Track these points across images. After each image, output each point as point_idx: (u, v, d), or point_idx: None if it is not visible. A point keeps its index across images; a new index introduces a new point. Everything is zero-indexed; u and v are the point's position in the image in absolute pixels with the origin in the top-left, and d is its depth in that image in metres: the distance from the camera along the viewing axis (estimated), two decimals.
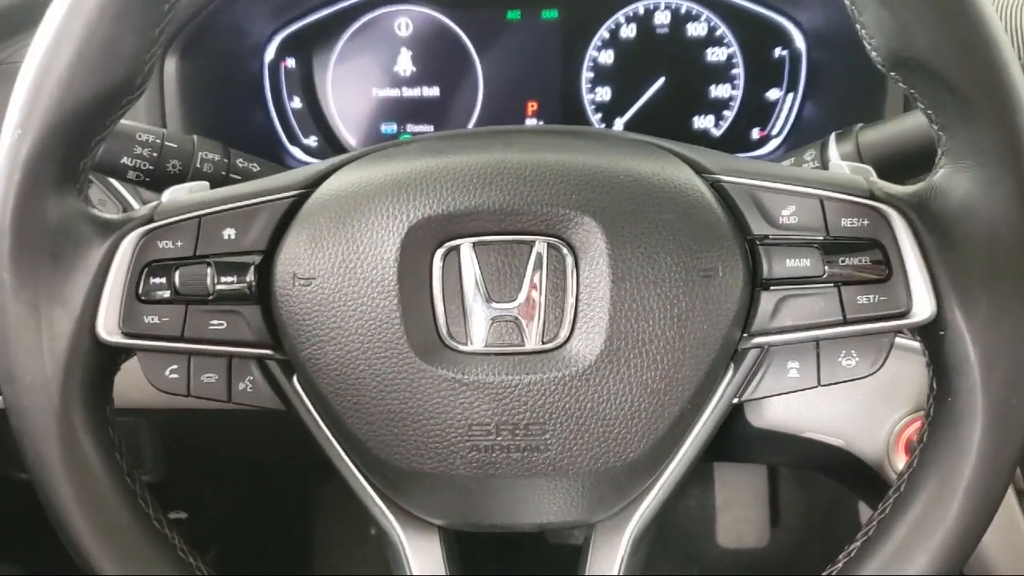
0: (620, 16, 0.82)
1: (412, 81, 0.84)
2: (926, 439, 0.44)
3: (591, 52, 0.83)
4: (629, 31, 0.83)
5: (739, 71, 0.82)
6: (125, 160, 0.59)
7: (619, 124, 0.83)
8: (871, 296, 0.44)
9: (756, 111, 0.82)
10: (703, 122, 0.83)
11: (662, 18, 0.82)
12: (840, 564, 0.46)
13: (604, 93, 0.83)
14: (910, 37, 0.41)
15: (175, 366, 0.47)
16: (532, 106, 0.84)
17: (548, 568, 0.52)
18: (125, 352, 0.47)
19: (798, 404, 0.66)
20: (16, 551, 1.09)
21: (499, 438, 0.44)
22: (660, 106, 0.83)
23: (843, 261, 0.45)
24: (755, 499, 1.40)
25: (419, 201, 0.44)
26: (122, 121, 0.47)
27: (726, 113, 0.83)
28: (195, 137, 0.63)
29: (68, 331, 0.45)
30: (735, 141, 0.82)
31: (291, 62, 0.85)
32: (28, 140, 0.43)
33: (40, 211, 0.44)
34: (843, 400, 0.61)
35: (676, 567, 1.44)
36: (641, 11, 0.82)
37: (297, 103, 0.85)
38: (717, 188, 0.46)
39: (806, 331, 0.45)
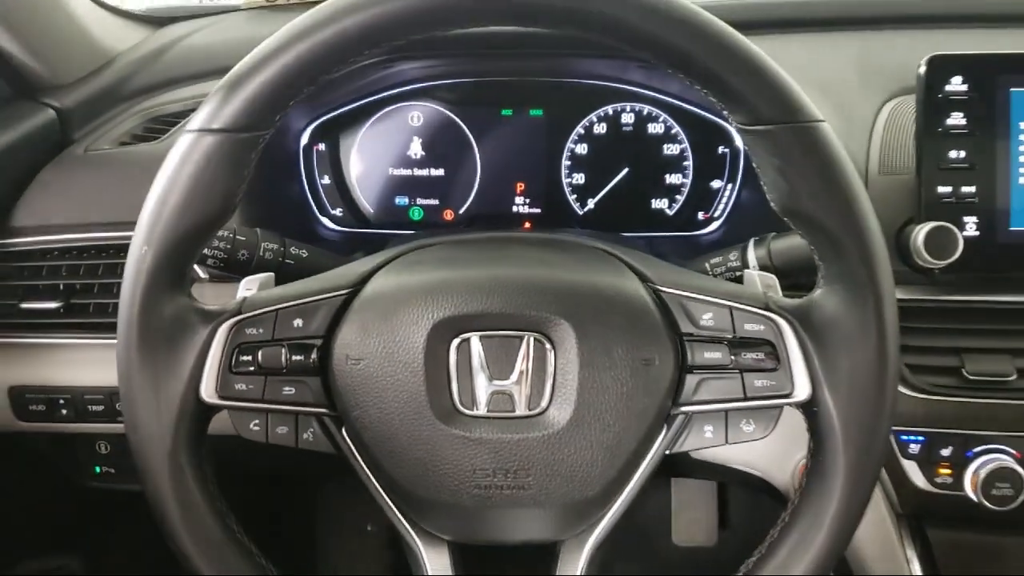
0: (593, 116, 0.95)
1: (422, 163, 0.96)
2: (804, 484, 0.59)
3: (569, 144, 0.96)
4: (601, 128, 0.95)
5: (689, 163, 0.95)
6: (207, 251, 0.72)
7: (591, 203, 0.96)
8: (765, 381, 0.58)
9: (702, 197, 0.95)
10: (659, 204, 0.96)
11: (628, 118, 0.95)
12: (752, 562, 0.60)
13: (579, 178, 0.96)
14: (796, 196, 0.55)
15: (257, 420, 0.60)
16: (520, 187, 0.96)
17: (530, 569, 0.64)
18: (218, 408, 0.60)
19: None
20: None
21: (495, 479, 0.57)
22: (625, 190, 0.96)
23: (745, 355, 0.58)
24: (706, 504, 1.52)
25: (441, 305, 0.58)
26: None
27: (678, 197, 0.96)
28: (258, 230, 0.75)
29: (179, 395, 0.57)
30: (684, 221, 0.95)
31: (322, 146, 0.97)
32: (150, 255, 0.55)
33: (159, 307, 0.56)
34: (761, 444, 0.76)
35: (637, 563, 1.56)
36: (610, 112, 0.95)
37: (326, 180, 0.97)
38: (657, 294, 0.60)
39: (718, 404, 0.58)
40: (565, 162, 0.96)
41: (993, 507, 0.73)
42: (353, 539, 1.51)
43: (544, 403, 0.58)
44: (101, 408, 0.83)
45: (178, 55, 1.04)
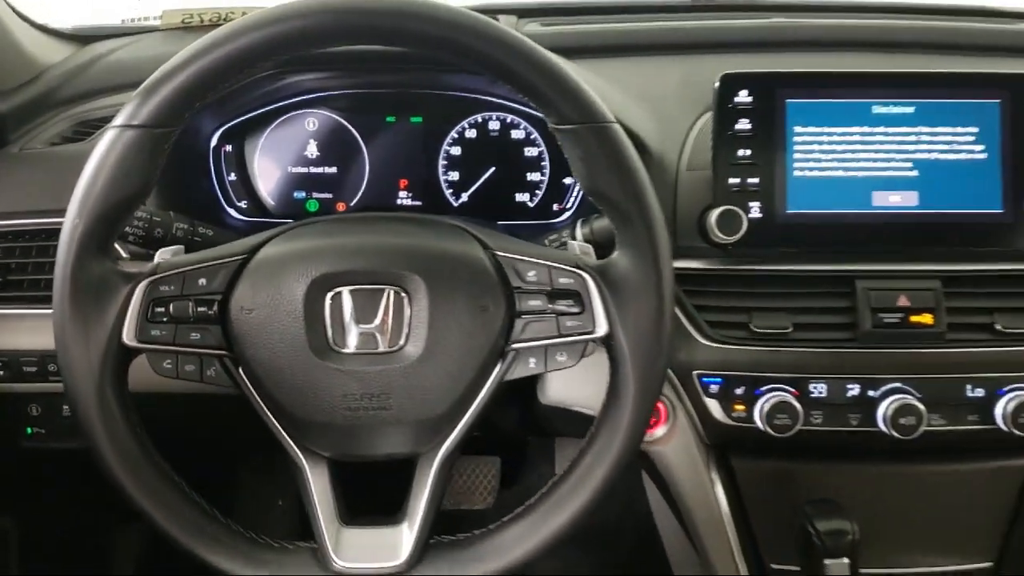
0: (465, 123, 1.10)
1: (317, 162, 1.10)
2: (605, 401, 0.75)
3: (444, 146, 1.10)
4: (471, 133, 1.10)
5: (546, 164, 1.10)
6: (128, 229, 0.85)
7: (464, 197, 1.10)
8: (574, 322, 0.73)
9: (557, 191, 1.11)
10: (522, 197, 1.11)
11: (494, 125, 1.10)
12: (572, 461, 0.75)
13: (454, 175, 1.11)
14: (595, 180, 0.71)
15: (169, 360, 0.72)
16: (403, 183, 1.11)
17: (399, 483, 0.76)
18: (138, 351, 0.73)
19: (566, 388, 0.94)
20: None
21: (362, 402, 0.71)
22: (492, 186, 1.11)
23: (559, 302, 0.73)
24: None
25: (318, 265, 0.72)
26: None
27: (537, 192, 1.11)
28: (171, 213, 0.89)
29: (104, 339, 0.69)
30: (543, 211, 1.11)
31: (229, 147, 1.10)
32: (81, 226, 0.68)
33: (88, 268, 0.69)
34: (595, 383, 0.90)
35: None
36: (480, 119, 1.10)
37: (233, 176, 1.10)
38: (493, 257, 0.75)
39: (539, 341, 0.73)
40: (441, 162, 1.11)
41: (776, 434, 0.89)
42: (265, 514, 1.63)
43: (401, 341, 0.72)
44: (35, 369, 0.95)
45: (102, 69, 1.17)
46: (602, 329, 0.73)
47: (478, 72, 0.71)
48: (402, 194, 1.11)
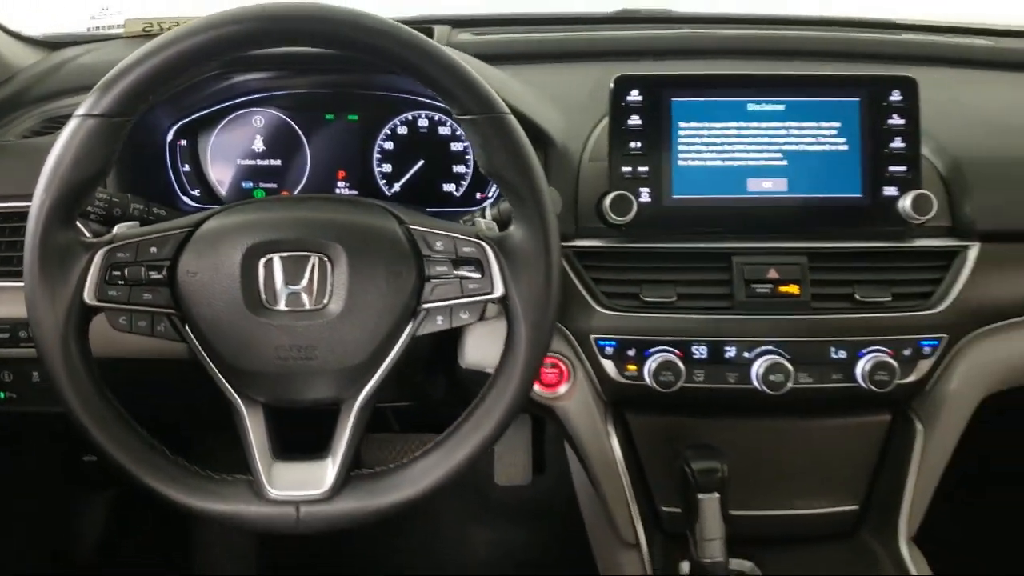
0: (397, 120, 1.20)
1: (263, 155, 1.21)
2: (503, 352, 0.87)
3: (378, 142, 1.21)
4: (403, 129, 1.21)
5: (470, 157, 1.20)
6: (90, 209, 0.96)
7: (397, 187, 1.20)
8: (475, 284, 0.84)
9: (480, 182, 1.21)
10: (449, 187, 1.22)
11: (423, 122, 1.21)
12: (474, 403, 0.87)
13: (387, 167, 1.21)
14: (492, 163, 0.83)
15: (124, 317, 0.82)
16: (341, 174, 1.21)
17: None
18: (97, 310, 0.84)
19: (481, 353, 1.04)
20: None
21: (291, 353, 0.82)
22: (421, 177, 1.21)
23: (463, 268, 0.85)
24: (523, 449, 1.80)
25: (253, 235, 0.83)
26: None
27: (463, 183, 1.21)
28: (128, 195, 1.00)
29: (68, 297, 0.79)
30: (467, 200, 1.21)
31: (184, 142, 1.20)
32: (48, 201, 0.79)
33: (54, 237, 0.79)
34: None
35: (467, 500, 1.83)
36: (410, 117, 1.20)
37: (187, 168, 1.20)
38: (407, 230, 0.87)
39: (445, 301, 0.84)
40: (375, 155, 1.21)
41: (661, 390, 1.01)
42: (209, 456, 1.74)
43: (325, 300, 0.83)
44: (7, 336, 1.05)
45: (69, 71, 1.27)
46: (499, 291, 0.85)
47: (394, 71, 0.84)
48: (340, 184, 1.22)
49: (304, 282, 0.84)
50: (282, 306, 0.83)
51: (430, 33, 1.33)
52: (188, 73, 0.83)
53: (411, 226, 0.87)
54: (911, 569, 1.05)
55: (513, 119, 0.84)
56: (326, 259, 0.84)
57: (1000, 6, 1.63)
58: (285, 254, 0.84)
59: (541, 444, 1.79)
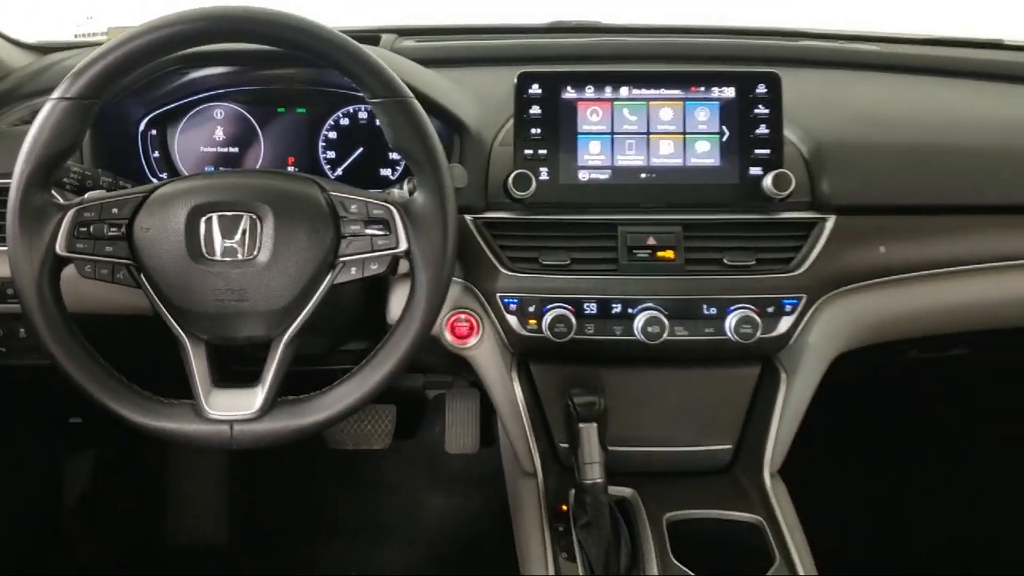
0: (339, 112, 1.36)
1: (223, 143, 1.36)
2: (408, 297, 1.02)
3: (323, 132, 1.36)
4: (344, 121, 1.36)
5: None
6: (65, 179, 1.12)
7: (339, 171, 1.36)
8: (383, 241, 1.00)
9: None
10: (385, 172, 1.37)
11: (363, 115, 1.36)
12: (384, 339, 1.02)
13: (331, 154, 1.37)
14: (398, 139, 1.00)
15: (89, 266, 0.99)
16: (291, 160, 1.37)
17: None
18: (67, 260, 1.00)
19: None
20: None
21: (227, 295, 0.98)
22: (361, 162, 1.37)
23: (373, 227, 1.01)
24: (471, 421, 1.96)
25: (195, 197, 0.99)
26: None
27: (397, 168, 1.36)
28: (99, 170, 1.16)
29: (43, 248, 0.95)
30: (400, 182, 1.39)
31: (154, 131, 1.35)
32: (27, 170, 0.96)
33: (31, 199, 0.95)
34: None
35: (419, 469, 1.99)
36: (351, 110, 1.36)
37: (156, 154, 1.36)
38: (327, 195, 1.03)
39: (358, 255, 1.00)
40: (321, 143, 1.37)
41: (556, 340, 1.17)
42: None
43: (255, 252, 0.99)
44: None
45: (56, 72, 1.44)
46: (403, 246, 1.01)
47: (317, 64, 1.00)
48: (290, 168, 1.38)
49: (238, 237, 1.00)
50: (219, 256, 0.99)
51: (378, 40, 1.51)
52: (147, 63, 1.00)
53: (331, 192, 1.03)
54: (772, 499, 1.20)
55: (415, 102, 1.00)
56: (256, 218, 1.00)
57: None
58: (222, 213, 1.00)
59: (489, 417, 1.94)
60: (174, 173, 1.38)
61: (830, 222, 1.21)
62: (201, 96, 1.36)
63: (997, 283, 1.24)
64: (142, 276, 1.01)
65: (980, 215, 1.25)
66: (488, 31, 1.68)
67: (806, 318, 1.20)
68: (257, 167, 1.38)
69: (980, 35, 1.71)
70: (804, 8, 1.90)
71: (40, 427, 1.62)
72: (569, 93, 1.21)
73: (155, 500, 1.86)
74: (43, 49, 1.54)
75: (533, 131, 1.20)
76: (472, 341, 1.22)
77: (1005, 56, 1.64)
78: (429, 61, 1.43)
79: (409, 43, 1.53)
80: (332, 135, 1.38)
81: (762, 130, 1.21)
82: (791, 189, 1.18)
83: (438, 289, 1.02)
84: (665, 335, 1.16)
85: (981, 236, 1.24)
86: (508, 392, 1.24)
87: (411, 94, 1.01)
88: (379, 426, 1.92)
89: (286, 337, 1.02)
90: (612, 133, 1.22)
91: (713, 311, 1.18)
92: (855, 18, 1.77)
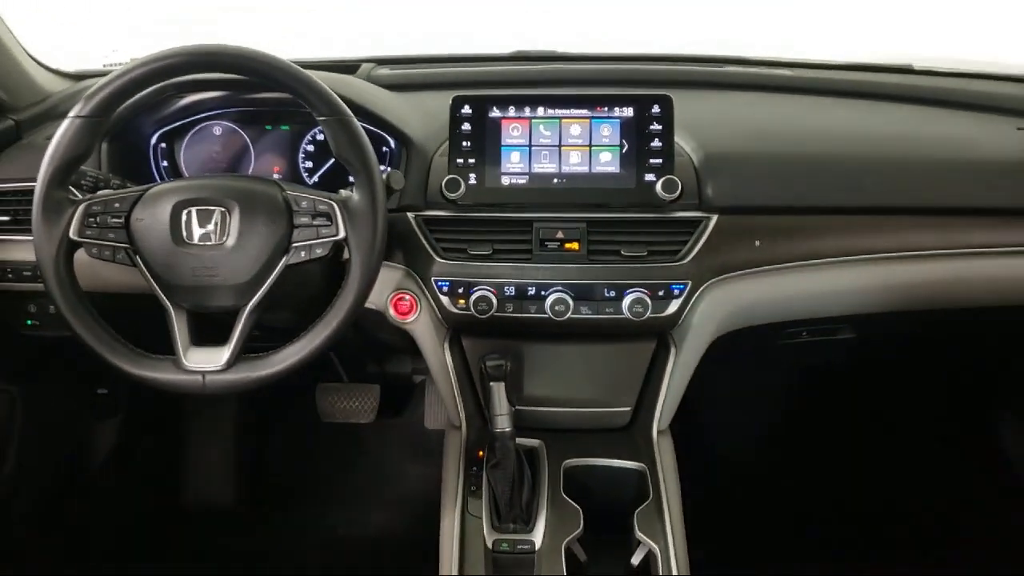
0: (315, 130, 1.59)
1: (220, 155, 1.61)
2: (346, 275, 1.26)
3: (303, 145, 1.60)
4: (320, 137, 1.59)
5: None
6: (82, 181, 1.38)
7: (316, 177, 1.61)
8: (326, 230, 1.23)
9: None
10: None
11: None
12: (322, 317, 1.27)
13: (308, 164, 1.60)
14: (340, 150, 1.23)
15: (95, 248, 1.24)
16: (276, 169, 1.61)
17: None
18: (78, 244, 1.25)
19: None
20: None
21: (201, 271, 1.20)
22: (333, 171, 1.59)
23: (318, 219, 1.25)
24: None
25: (178, 195, 1.23)
26: (83, 167, 1.28)
27: None
28: (110, 174, 1.42)
29: (60, 233, 1.20)
30: None
31: (163, 145, 1.60)
32: (49, 171, 1.21)
33: (51, 195, 1.20)
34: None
35: (402, 442, 2.22)
36: None
37: (165, 164, 1.60)
38: (284, 193, 1.27)
39: (306, 241, 1.22)
40: (301, 155, 1.61)
41: (480, 316, 1.39)
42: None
43: (225, 238, 1.21)
44: (30, 274, 1.48)
45: None
46: (342, 234, 1.24)
47: (276, 89, 1.25)
48: (275, 176, 1.63)
49: (211, 226, 1.23)
50: (196, 241, 1.23)
51: (355, 69, 1.76)
52: (143, 89, 1.25)
53: (287, 192, 1.27)
54: (657, 451, 1.41)
55: (353, 119, 1.24)
56: (226, 211, 1.24)
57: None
58: (199, 207, 1.24)
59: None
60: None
61: (713, 220, 1.41)
62: (202, 115, 1.62)
63: (856, 273, 1.44)
64: (137, 257, 1.25)
65: (843, 215, 1.44)
66: (457, 60, 1.92)
67: (692, 301, 1.41)
68: (248, 174, 1.63)
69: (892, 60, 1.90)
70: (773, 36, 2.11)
71: (71, 397, 1.88)
72: (495, 112, 1.44)
73: (172, 464, 2.11)
74: (77, 76, 1.82)
75: (464, 144, 1.43)
76: (412, 317, 1.45)
77: (914, 80, 1.83)
78: (397, 86, 1.68)
79: (384, 71, 1.78)
80: (310, 148, 1.63)
81: (655, 143, 1.42)
82: (678, 192, 1.39)
83: (368, 270, 1.25)
84: (570, 313, 1.38)
85: (843, 234, 1.44)
86: (440, 359, 1.47)
87: (350, 113, 1.24)
88: (364, 403, 2.16)
89: (249, 306, 1.25)
90: (530, 145, 1.44)
91: (612, 294, 1.39)
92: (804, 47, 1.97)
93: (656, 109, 1.43)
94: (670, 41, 2.08)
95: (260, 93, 1.53)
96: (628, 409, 1.49)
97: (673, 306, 1.40)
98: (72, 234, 1.22)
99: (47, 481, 1.82)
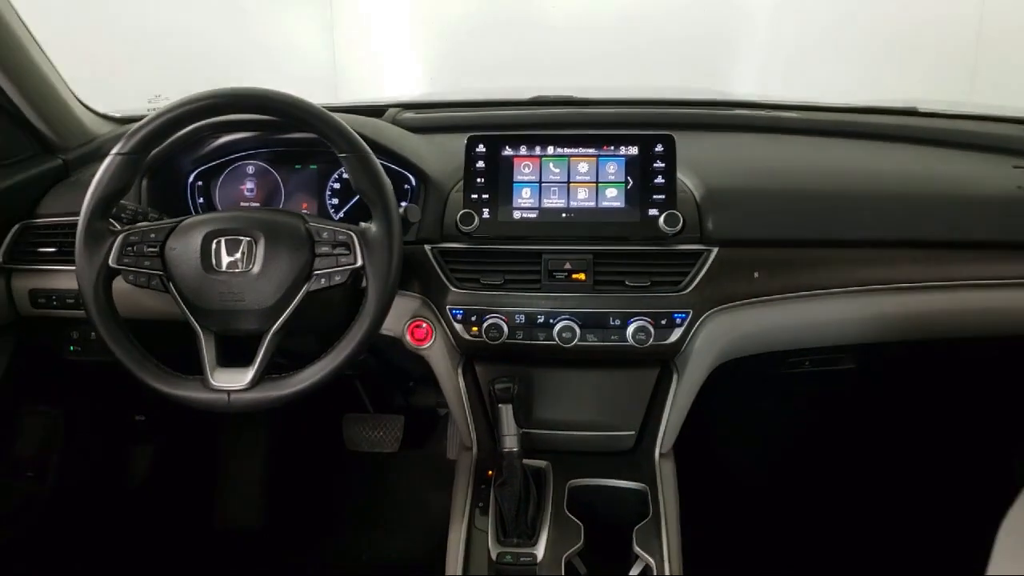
0: (341, 169, 1.71)
1: (253, 192, 1.71)
2: (363, 301, 1.34)
3: (330, 183, 1.68)
4: (346, 176, 1.71)
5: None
6: (123, 214, 1.47)
7: (342, 213, 1.71)
8: (346, 259, 1.32)
9: None
10: None
11: None
12: (337, 345, 1.34)
13: (335, 200, 1.68)
14: (359, 184, 1.32)
15: (132, 276, 1.34)
16: (304, 205, 1.72)
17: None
18: (117, 271, 1.35)
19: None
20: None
21: (228, 296, 1.29)
22: (358, 206, 1.68)
23: (338, 248, 1.33)
24: None
25: (208, 227, 1.33)
26: (124, 201, 1.38)
27: None
28: (148, 208, 1.52)
29: (100, 262, 1.30)
30: None
31: (200, 183, 1.71)
32: (92, 203, 1.31)
33: (93, 226, 1.31)
34: (391, 310, 1.48)
35: (425, 471, 2.27)
36: None
37: (201, 200, 1.71)
38: (307, 225, 1.36)
39: (326, 269, 1.31)
40: (328, 192, 1.70)
41: (491, 343, 1.46)
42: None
43: (250, 266, 1.30)
44: (72, 301, 1.58)
45: None
46: (359, 263, 1.32)
47: (300, 128, 1.34)
48: (304, 211, 1.72)
49: (238, 254, 1.32)
50: (224, 268, 1.32)
51: (382, 112, 1.86)
52: (179, 129, 1.35)
53: (310, 223, 1.36)
54: (658, 472, 1.46)
55: (371, 156, 1.33)
56: (252, 240, 1.33)
57: None
58: (227, 237, 1.33)
59: None
60: None
61: (713, 252, 1.47)
62: (236, 155, 1.72)
63: (853, 304, 1.49)
64: (170, 284, 1.34)
65: (841, 248, 1.49)
66: (478, 104, 2.01)
67: (694, 329, 1.47)
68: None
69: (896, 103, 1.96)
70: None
71: (110, 422, 1.97)
72: (507, 151, 1.52)
73: (204, 489, 2.19)
74: (122, 120, 1.94)
75: (479, 180, 1.51)
76: (428, 344, 1.52)
77: (916, 122, 1.89)
78: (420, 129, 1.78)
79: (408, 115, 1.88)
80: (336, 185, 1.72)
81: (659, 179, 1.49)
82: (680, 226, 1.45)
83: (384, 295, 1.32)
84: (576, 340, 1.44)
85: (840, 266, 1.49)
86: (454, 384, 1.54)
87: (368, 149, 1.33)
88: (389, 433, 2.23)
89: (272, 329, 1.33)
90: (540, 182, 1.52)
91: (617, 322, 1.45)
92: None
93: (659, 148, 1.50)
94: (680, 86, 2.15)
95: (289, 134, 1.63)
96: (632, 433, 1.54)
97: (675, 334, 1.45)
98: (111, 262, 1.32)
99: (84, 501, 1.90)
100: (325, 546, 2.14)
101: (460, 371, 1.54)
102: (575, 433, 1.55)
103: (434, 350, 1.53)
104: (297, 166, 1.73)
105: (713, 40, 3.58)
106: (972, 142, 1.74)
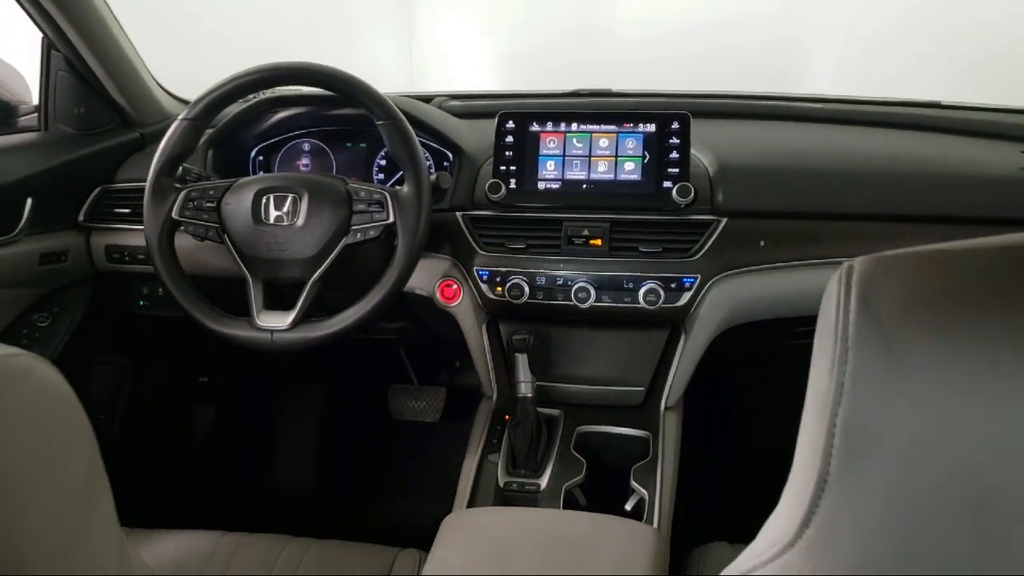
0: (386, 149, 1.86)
1: (308, 166, 1.87)
2: (392, 256, 1.45)
3: (377, 160, 1.83)
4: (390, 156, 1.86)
5: (431, 162, 1.84)
6: (188, 177, 1.62)
7: (390, 181, 1.85)
8: (380, 215, 1.45)
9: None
10: None
11: None
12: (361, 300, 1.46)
13: (381, 176, 1.84)
14: (394, 148, 1.45)
15: (192, 228, 1.49)
16: (353, 178, 1.86)
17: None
18: (179, 223, 1.49)
19: (415, 280, 1.64)
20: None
21: (274, 247, 1.44)
22: (400, 181, 1.85)
23: (372, 206, 1.46)
24: None
25: (258, 185, 1.47)
26: (190, 165, 1.53)
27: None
28: (212, 172, 1.67)
29: (164, 213, 1.46)
30: None
31: (261, 157, 1.87)
32: (159, 162, 1.47)
33: (159, 183, 1.47)
34: (423, 270, 1.60)
35: (463, 441, 2.37)
36: None
37: (261, 174, 1.90)
38: (346, 186, 1.48)
39: (362, 224, 1.45)
40: (375, 168, 1.85)
41: (514, 302, 1.56)
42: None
43: (295, 219, 1.45)
44: (143, 257, 1.73)
45: None
46: (391, 219, 1.45)
47: (342, 98, 1.47)
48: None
49: (284, 209, 1.46)
50: (272, 222, 1.46)
51: (430, 100, 1.98)
52: (238, 98, 1.50)
53: (349, 184, 1.49)
54: (661, 422, 1.53)
55: (405, 123, 1.45)
56: (297, 197, 1.46)
57: None
58: (275, 194, 1.47)
59: None
60: None
61: (723, 223, 1.55)
62: (294, 133, 1.86)
63: None
64: (224, 235, 1.48)
65: (846, 221, 1.55)
66: (519, 96, 2.12)
67: (702, 293, 1.54)
68: None
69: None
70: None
71: (175, 381, 2.13)
72: (534, 127, 1.63)
73: (260, 450, 2.33)
74: None
75: (507, 153, 1.62)
76: (456, 302, 1.63)
77: (938, 113, 1.93)
78: (462, 114, 1.89)
79: (454, 103, 2.00)
80: (383, 162, 1.85)
81: (673, 155, 1.58)
82: (692, 197, 1.53)
83: (412, 249, 1.44)
84: (592, 301, 1.54)
85: (844, 239, 1.54)
86: (478, 340, 1.64)
87: (402, 117, 1.45)
88: (431, 404, 2.34)
89: (313, 278, 1.46)
90: (564, 155, 1.62)
91: (630, 285, 1.54)
92: None
93: (675, 125, 1.59)
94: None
95: (338, 110, 1.76)
96: (642, 389, 1.62)
97: (684, 297, 1.53)
98: (174, 214, 1.47)
99: (144, 452, 2.05)
100: (370, 508, 2.25)
101: (484, 328, 1.64)
102: (588, 387, 1.63)
103: (461, 308, 1.63)
104: (348, 144, 1.87)
105: (785, 45, 3.62)
106: (987, 131, 1.77)
